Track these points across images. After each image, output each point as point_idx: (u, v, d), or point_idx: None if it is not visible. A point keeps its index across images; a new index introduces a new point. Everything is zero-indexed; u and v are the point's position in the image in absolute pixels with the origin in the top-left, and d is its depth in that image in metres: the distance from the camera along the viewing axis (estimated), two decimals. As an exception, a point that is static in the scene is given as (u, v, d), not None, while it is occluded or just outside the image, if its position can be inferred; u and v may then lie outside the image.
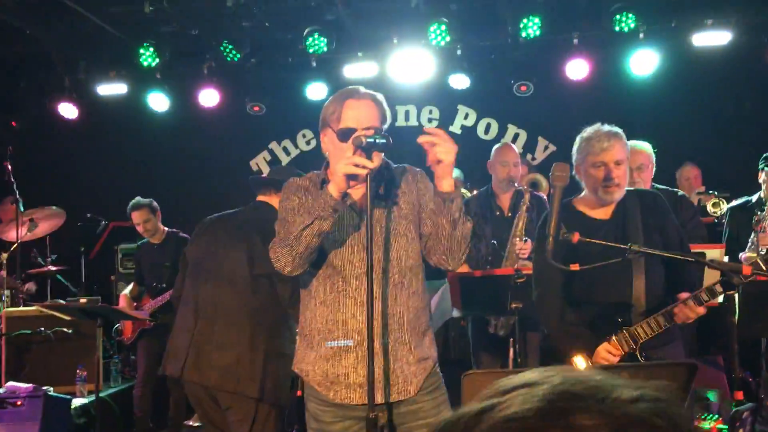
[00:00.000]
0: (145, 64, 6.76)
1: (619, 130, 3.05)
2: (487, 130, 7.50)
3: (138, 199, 5.67)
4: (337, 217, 2.43)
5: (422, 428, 2.52)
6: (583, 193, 3.14)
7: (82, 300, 5.86)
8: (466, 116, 7.52)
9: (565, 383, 0.56)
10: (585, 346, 2.96)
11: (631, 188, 3.11)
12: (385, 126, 2.54)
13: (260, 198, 3.58)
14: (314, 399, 2.55)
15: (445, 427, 0.58)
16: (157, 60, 6.74)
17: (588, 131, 3.05)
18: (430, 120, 7.48)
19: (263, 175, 3.81)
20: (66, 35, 6.72)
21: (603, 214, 3.07)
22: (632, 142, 4.49)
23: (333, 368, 2.51)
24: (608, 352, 2.90)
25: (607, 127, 3.04)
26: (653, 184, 4.19)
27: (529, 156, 7.27)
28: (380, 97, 2.57)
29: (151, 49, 6.67)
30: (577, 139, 3.09)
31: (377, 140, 2.30)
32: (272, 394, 3.30)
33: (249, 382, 3.24)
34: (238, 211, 3.63)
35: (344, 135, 2.44)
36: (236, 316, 3.33)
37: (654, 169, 4.17)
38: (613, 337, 2.88)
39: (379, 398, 2.44)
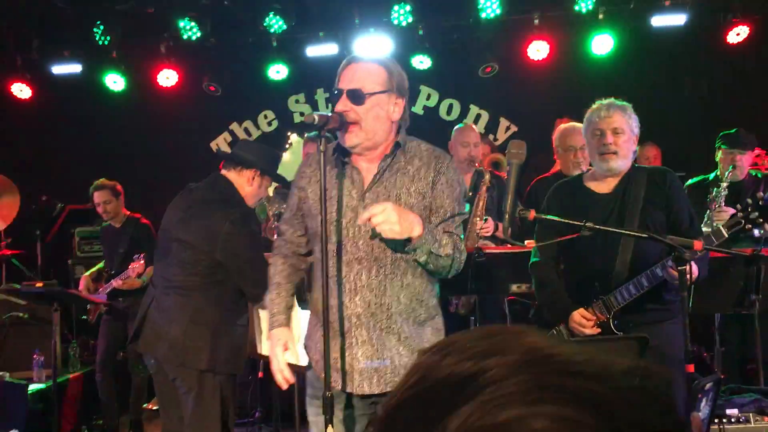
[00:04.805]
0: (101, 42, 6.58)
1: (624, 103, 3.06)
2: (449, 111, 7.50)
3: (102, 180, 5.56)
4: (336, 199, 2.41)
5: None
6: (592, 169, 3.18)
7: (38, 284, 5.74)
8: (429, 97, 7.50)
9: (534, 352, 0.50)
10: (567, 315, 3.00)
11: (643, 165, 3.15)
12: (390, 89, 2.41)
13: (223, 172, 3.51)
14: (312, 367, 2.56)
15: (419, 398, 0.49)
16: (113, 38, 6.56)
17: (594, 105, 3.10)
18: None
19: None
20: (18, 12, 6.51)
21: (606, 188, 3.09)
22: (573, 124, 4.56)
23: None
24: (582, 316, 2.95)
25: (612, 100, 3.06)
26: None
27: (491, 136, 7.29)
28: (384, 61, 2.48)
29: (106, 27, 6.50)
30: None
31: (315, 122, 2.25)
32: (224, 366, 3.30)
33: (196, 355, 3.24)
34: (197, 186, 3.57)
35: (333, 94, 2.43)
36: (186, 290, 3.33)
37: None
38: (592, 305, 2.96)
39: (365, 388, 2.38)
